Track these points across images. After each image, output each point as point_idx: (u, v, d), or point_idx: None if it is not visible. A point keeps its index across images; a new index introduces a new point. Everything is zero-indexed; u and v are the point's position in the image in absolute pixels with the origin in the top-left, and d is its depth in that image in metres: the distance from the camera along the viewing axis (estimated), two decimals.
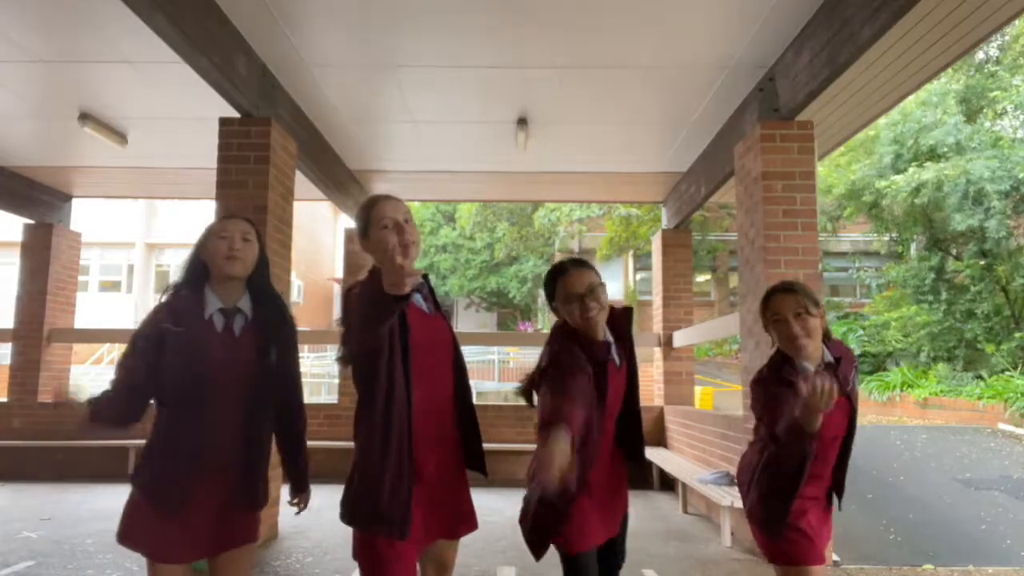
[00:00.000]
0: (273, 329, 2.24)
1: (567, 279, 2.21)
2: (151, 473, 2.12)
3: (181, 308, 2.13)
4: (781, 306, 2.32)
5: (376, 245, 2.05)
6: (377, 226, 2.05)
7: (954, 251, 14.20)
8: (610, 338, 2.27)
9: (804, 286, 2.37)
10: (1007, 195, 12.36)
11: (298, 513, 2.42)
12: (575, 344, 2.18)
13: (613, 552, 2.41)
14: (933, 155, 13.27)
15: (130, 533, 2.13)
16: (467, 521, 2.24)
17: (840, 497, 2.51)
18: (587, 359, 2.15)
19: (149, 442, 2.15)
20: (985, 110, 14.19)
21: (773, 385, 2.30)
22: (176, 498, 2.08)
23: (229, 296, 2.19)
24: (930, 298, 13.83)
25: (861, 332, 15.25)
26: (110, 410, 2.07)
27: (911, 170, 12.92)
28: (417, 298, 2.13)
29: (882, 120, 13.40)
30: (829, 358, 2.34)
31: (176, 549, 2.09)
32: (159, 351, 2.08)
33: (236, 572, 2.21)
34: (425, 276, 2.16)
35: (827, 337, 2.39)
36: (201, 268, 2.20)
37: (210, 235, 2.20)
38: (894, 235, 15.33)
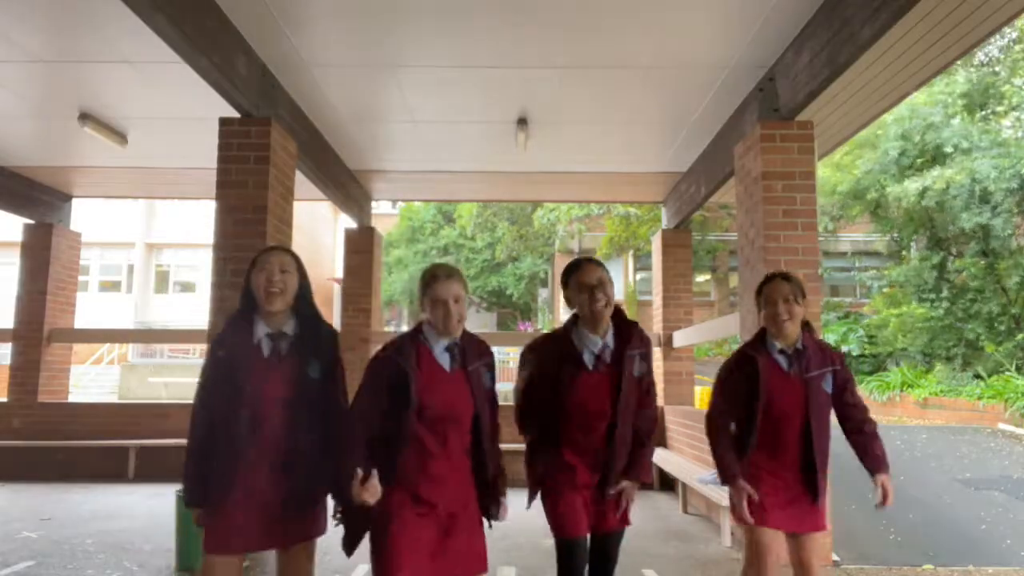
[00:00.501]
0: (315, 349, 2.44)
1: (581, 272, 2.60)
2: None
3: (231, 336, 2.40)
4: (775, 290, 2.72)
5: (428, 311, 2.37)
6: (429, 299, 2.35)
7: (954, 250, 14.20)
8: (610, 341, 2.59)
9: (797, 278, 2.77)
10: (1012, 193, 12.36)
11: (336, 525, 2.44)
12: (556, 344, 2.64)
13: (606, 556, 2.66)
14: (939, 154, 13.26)
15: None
16: (478, 562, 2.38)
17: (817, 490, 2.68)
18: (558, 356, 2.59)
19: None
20: (992, 107, 14.14)
21: (732, 365, 2.80)
22: (214, 495, 2.29)
23: (275, 322, 2.42)
24: (932, 296, 13.83)
25: (861, 332, 15.25)
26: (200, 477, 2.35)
27: (922, 175, 12.93)
28: (443, 356, 2.37)
29: (888, 116, 13.38)
30: (800, 346, 2.71)
31: (223, 542, 2.30)
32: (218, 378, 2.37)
33: (296, 564, 2.43)
34: (466, 334, 2.43)
35: (808, 328, 2.77)
36: (252, 298, 2.43)
37: (254, 267, 2.42)
38: (895, 235, 15.32)
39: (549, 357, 2.63)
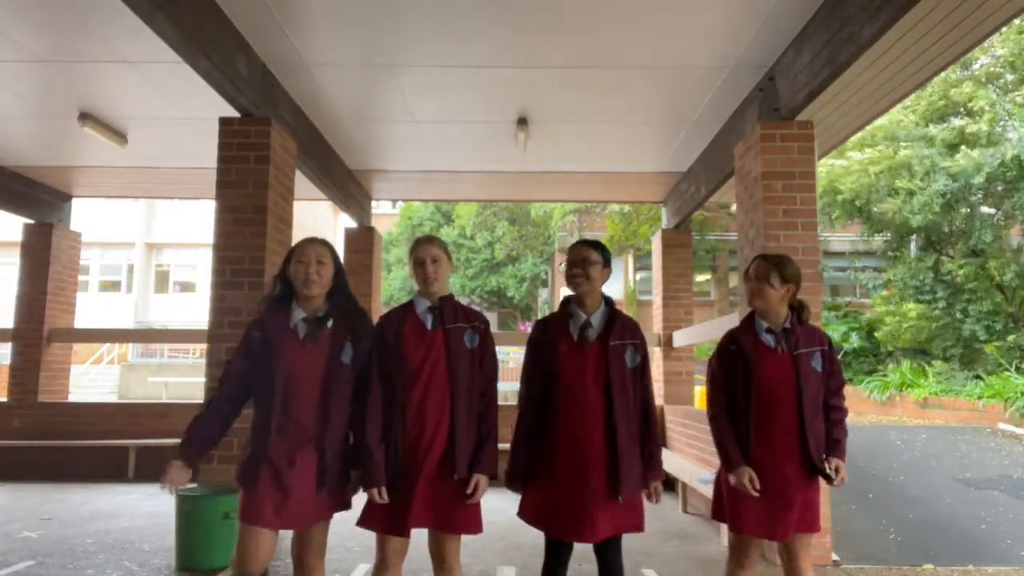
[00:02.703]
0: (349, 335, 2.63)
1: (573, 248, 2.81)
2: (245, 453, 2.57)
3: (268, 319, 2.59)
4: (755, 270, 2.79)
5: (411, 273, 2.74)
6: (412, 260, 2.72)
7: (951, 251, 14.21)
8: (595, 321, 2.71)
9: (783, 263, 2.77)
10: (944, 195, 12.59)
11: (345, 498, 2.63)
12: (550, 319, 2.83)
13: (604, 567, 2.71)
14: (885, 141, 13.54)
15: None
16: (445, 520, 2.56)
17: (821, 473, 2.69)
18: (550, 328, 2.78)
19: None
20: (956, 112, 14.12)
21: (720, 348, 2.85)
22: (246, 474, 2.50)
23: (311, 307, 2.62)
24: (928, 298, 13.86)
25: (862, 332, 15.24)
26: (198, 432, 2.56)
27: (854, 155, 13.26)
28: (426, 316, 2.68)
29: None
30: (787, 325, 2.76)
31: (254, 514, 2.45)
32: (248, 356, 2.57)
33: (310, 541, 2.59)
34: (445, 298, 2.71)
35: (803, 308, 2.81)
36: (288, 284, 2.63)
37: (292, 257, 2.62)
38: (887, 236, 15.32)
39: (543, 329, 2.81)
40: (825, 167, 14.00)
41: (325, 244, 2.67)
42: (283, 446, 2.48)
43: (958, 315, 13.43)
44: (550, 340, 2.73)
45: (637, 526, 2.71)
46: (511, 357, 17.83)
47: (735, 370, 2.77)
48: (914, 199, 12.85)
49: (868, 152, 13.33)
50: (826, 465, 2.69)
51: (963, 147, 12.68)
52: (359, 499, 2.67)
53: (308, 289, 2.57)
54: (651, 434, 2.72)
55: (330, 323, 2.61)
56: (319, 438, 2.51)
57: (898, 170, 12.98)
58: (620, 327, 2.71)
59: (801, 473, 2.68)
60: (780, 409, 2.68)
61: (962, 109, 13.74)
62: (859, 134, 13.32)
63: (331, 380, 2.54)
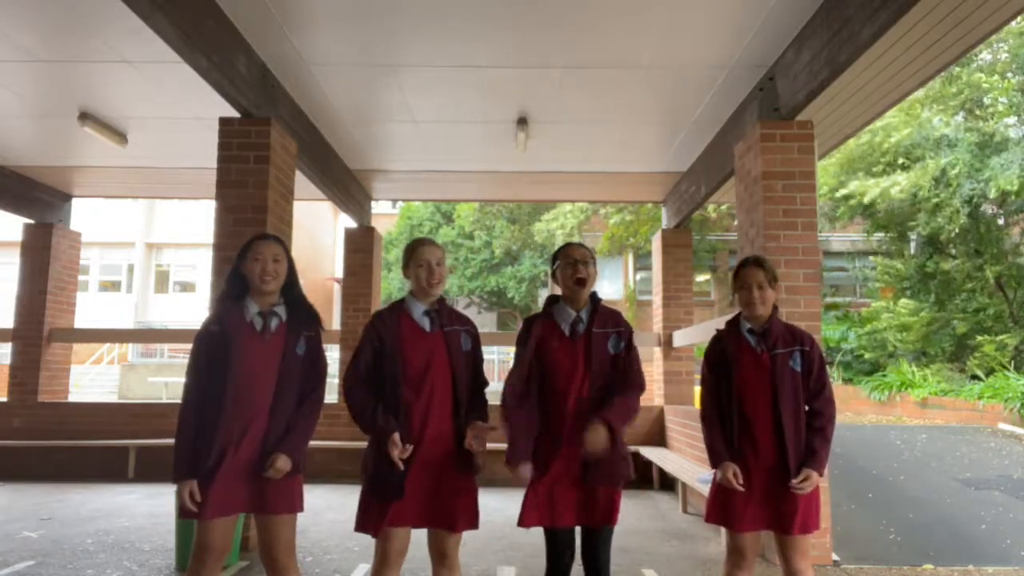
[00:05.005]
0: (304, 327, 2.72)
1: (568, 248, 2.86)
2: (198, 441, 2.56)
3: (225, 315, 2.64)
4: (749, 276, 2.84)
5: (412, 274, 2.72)
6: (414, 262, 2.71)
7: (953, 250, 14.21)
8: (584, 316, 2.78)
9: (770, 264, 2.89)
10: (969, 201, 12.48)
11: (264, 473, 2.54)
12: (538, 317, 2.84)
13: (590, 557, 2.70)
14: (910, 156, 13.35)
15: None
16: (452, 518, 2.56)
17: (793, 473, 2.67)
18: (539, 326, 2.80)
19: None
20: (976, 109, 14.05)
21: (708, 349, 2.93)
22: (202, 462, 2.52)
23: (266, 302, 2.70)
24: (923, 296, 13.87)
25: (861, 332, 15.24)
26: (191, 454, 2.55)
27: (887, 178, 13.08)
28: (423, 320, 2.69)
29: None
30: (767, 325, 2.82)
31: (206, 509, 2.49)
32: (210, 355, 2.59)
33: (278, 539, 2.59)
34: (440, 301, 2.75)
35: (775, 311, 2.88)
36: (242, 280, 2.69)
37: (247, 254, 2.67)
38: (890, 235, 15.31)
39: (533, 326, 2.83)
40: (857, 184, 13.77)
41: (279, 242, 2.76)
42: (238, 436, 2.53)
43: (955, 314, 13.43)
44: (542, 337, 2.78)
45: (607, 520, 2.69)
46: (511, 357, 17.83)
47: (721, 371, 2.85)
48: (941, 210, 12.75)
49: (901, 174, 13.11)
50: (800, 474, 2.66)
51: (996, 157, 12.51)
52: (351, 499, 2.67)
53: (266, 285, 2.65)
54: (627, 392, 2.72)
55: (285, 316, 2.69)
56: (267, 425, 2.56)
57: (927, 180, 12.78)
58: (602, 317, 2.79)
59: (784, 474, 2.69)
60: (758, 409, 2.74)
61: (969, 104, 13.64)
62: (889, 147, 13.21)
63: (286, 370, 2.63)
